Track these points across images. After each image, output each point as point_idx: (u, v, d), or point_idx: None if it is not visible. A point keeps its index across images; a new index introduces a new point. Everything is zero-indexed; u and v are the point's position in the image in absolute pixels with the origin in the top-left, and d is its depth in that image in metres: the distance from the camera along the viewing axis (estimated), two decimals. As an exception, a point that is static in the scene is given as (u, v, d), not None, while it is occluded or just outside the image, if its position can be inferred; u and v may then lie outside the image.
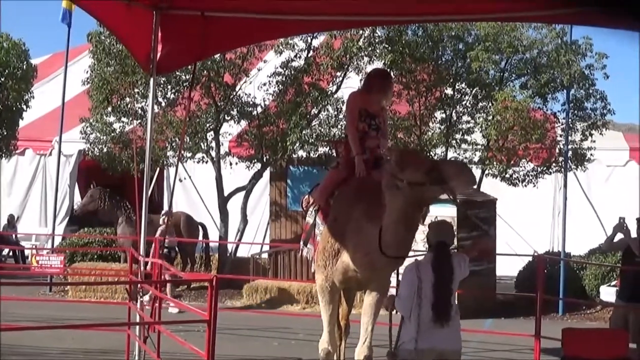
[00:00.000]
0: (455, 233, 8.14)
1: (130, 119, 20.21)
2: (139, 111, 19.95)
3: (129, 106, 20.07)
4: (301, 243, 9.85)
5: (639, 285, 11.19)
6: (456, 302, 7.42)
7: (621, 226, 11.27)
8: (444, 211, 8.64)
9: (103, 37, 19.28)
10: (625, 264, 11.73)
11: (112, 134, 20.35)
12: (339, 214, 8.83)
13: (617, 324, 11.30)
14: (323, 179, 9.64)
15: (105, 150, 20.65)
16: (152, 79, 10.73)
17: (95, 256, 20.98)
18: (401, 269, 8.31)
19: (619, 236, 11.37)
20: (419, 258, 7.74)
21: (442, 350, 7.14)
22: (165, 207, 20.70)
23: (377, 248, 7.96)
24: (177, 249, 19.25)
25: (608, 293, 16.08)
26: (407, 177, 7.52)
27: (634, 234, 11.25)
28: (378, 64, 19.19)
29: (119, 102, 20.16)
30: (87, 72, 20.34)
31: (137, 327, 10.61)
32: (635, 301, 11.15)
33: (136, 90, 19.73)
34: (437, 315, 7.05)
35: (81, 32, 19.77)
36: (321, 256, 8.92)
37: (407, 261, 8.28)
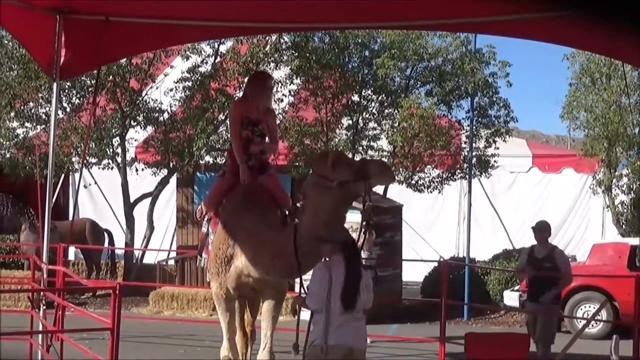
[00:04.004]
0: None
1: (34, 124, 19.89)
2: (43, 116, 19.63)
3: (32, 111, 19.76)
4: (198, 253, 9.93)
5: (543, 287, 11.48)
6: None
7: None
8: (350, 218, 8.82)
9: (5, 41, 18.95)
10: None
11: (15, 139, 20.01)
12: (229, 220, 8.92)
13: (530, 326, 11.63)
14: (212, 188, 9.72)
15: (8, 155, 20.27)
16: (55, 84, 10.59)
17: (-2, 264, 20.60)
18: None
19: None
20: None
21: (351, 348, 7.27)
22: (71, 214, 20.40)
23: (291, 252, 7.96)
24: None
25: (511, 298, 16.35)
26: (338, 177, 7.70)
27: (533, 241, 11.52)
28: (285, 70, 19.25)
29: (22, 107, 19.83)
30: (-12, 76, 19.95)
31: (40, 335, 10.47)
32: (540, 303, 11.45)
33: (40, 95, 19.43)
34: (345, 304, 7.18)
35: (-18, 35, 19.46)
36: (213, 264, 8.98)
37: None
